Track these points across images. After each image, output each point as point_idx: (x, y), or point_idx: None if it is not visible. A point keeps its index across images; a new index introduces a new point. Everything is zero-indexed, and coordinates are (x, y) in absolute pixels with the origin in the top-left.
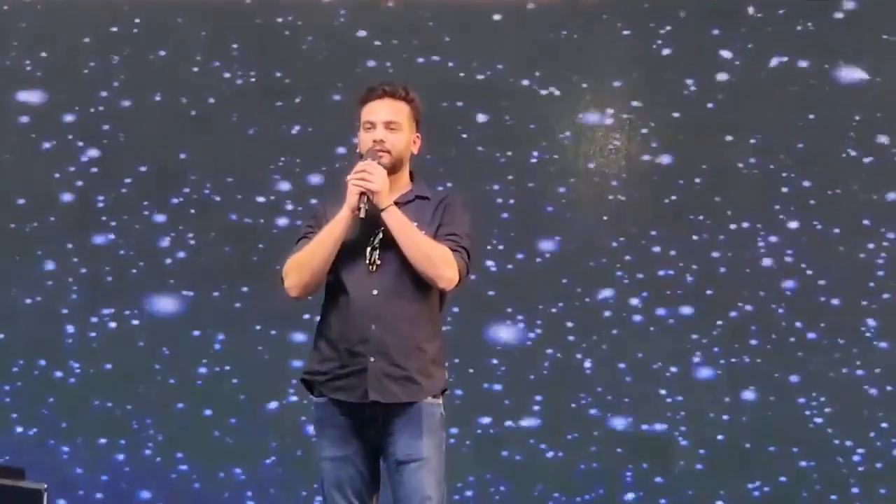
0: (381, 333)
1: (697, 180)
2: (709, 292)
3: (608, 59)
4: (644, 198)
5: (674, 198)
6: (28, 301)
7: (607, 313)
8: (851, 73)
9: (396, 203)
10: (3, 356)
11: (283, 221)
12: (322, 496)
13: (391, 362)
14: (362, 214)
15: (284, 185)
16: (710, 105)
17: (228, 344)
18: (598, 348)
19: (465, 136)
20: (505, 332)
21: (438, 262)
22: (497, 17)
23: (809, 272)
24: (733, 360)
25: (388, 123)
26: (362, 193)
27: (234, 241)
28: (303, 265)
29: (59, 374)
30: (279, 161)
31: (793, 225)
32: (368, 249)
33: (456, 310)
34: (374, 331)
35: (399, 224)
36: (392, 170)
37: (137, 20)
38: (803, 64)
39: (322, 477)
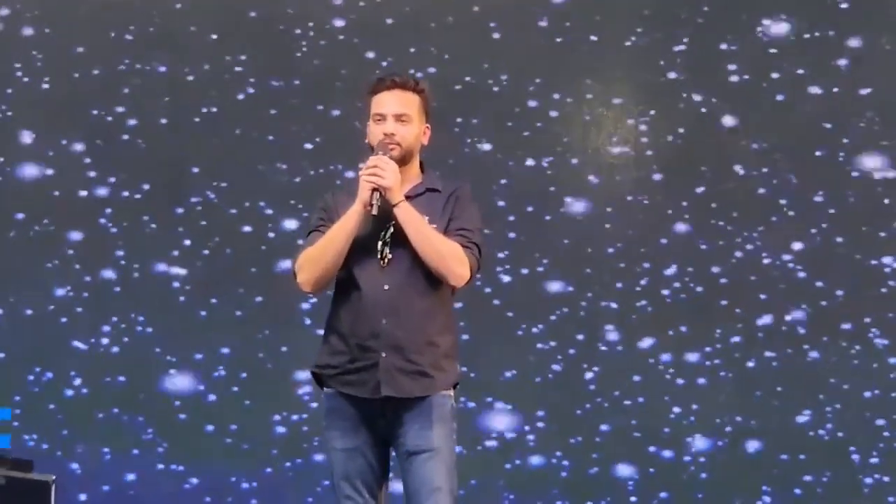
0: (393, 328)
1: (702, 190)
2: (723, 302)
3: (614, 67)
4: (651, 206)
5: (684, 204)
6: (34, 312)
7: (612, 324)
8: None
9: (407, 196)
10: (11, 367)
11: (289, 229)
12: (332, 487)
13: (403, 357)
14: (374, 211)
15: (291, 192)
16: (718, 115)
17: (234, 352)
18: (604, 356)
19: (466, 143)
20: (511, 341)
21: (450, 260)
22: (496, 33)
23: (819, 283)
24: (742, 368)
25: (399, 116)
26: (374, 189)
27: (241, 250)
28: (315, 260)
29: (65, 385)
30: (283, 167)
31: (804, 234)
32: (380, 244)
33: (462, 321)
34: (385, 325)
35: (411, 220)
36: (402, 162)
37: (141, 28)
38: (813, 73)
39: (332, 468)
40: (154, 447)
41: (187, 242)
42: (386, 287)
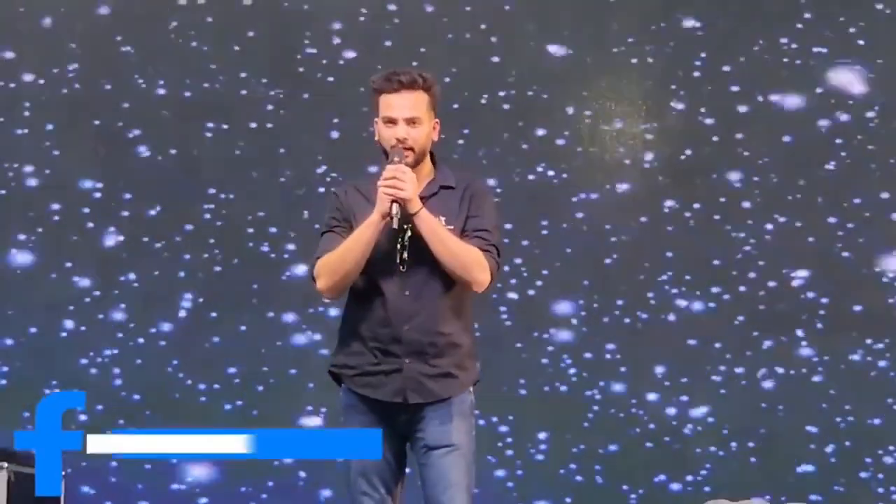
0: (415, 334)
1: (707, 203)
2: (740, 319)
3: (618, 80)
4: (657, 220)
5: (686, 214)
6: (41, 331)
7: (612, 344)
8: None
9: (423, 197)
10: (20, 388)
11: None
12: (348, 483)
13: (427, 362)
14: (395, 225)
15: (301, 209)
16: (724, 130)
17: (242, 369)
18: (609, 372)
19: (469, 156)
20: (514, 354)
21: (471, 267)
22: (496, 54)
23: (824, 300)
24: (752, 382)
25: (410, 120)
26: (394, 201)
27: (251, 267)
28: (334, 269)
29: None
30: (292, 184)
31: (811, 250)
32: (398, 247)
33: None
34: (407, 332)
35: (430, 228)
36: (415, 163)
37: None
38: (819, 89)
39: (348, 463)
40: (164, 465)
41: (197, 259)
42: (406, 293)
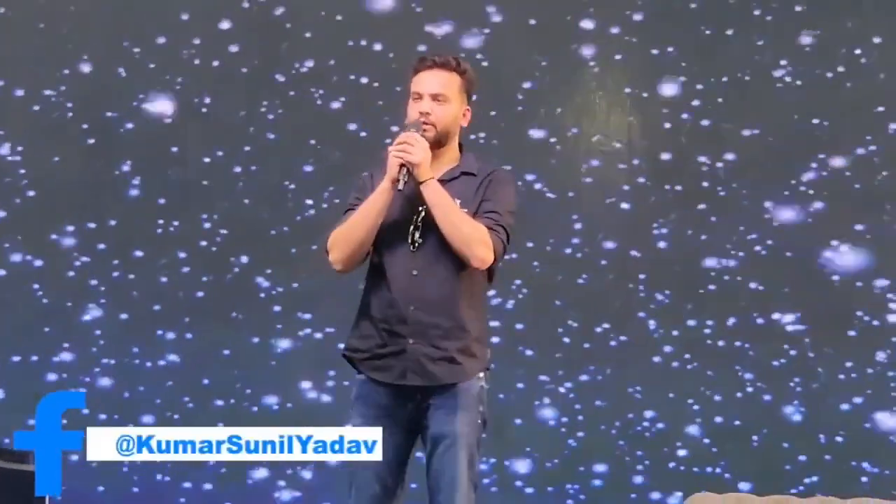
0: (421, 314)
1: (691, 226)
2: (737, 343)
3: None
4: (643, 240)
5: (684, 224)
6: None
7: (596, 364)
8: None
9: (442, 180)
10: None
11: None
12: (347, 474)
13: (431, 344)
14: (401, 187)
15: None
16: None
17: (228, 400)
18: (600, 391)
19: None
20: (523, 360)
21: (472, 242)
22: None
23: (813, 324)
24: (751, 394)
25: (436, 96)
26: (402, 165)
27: (234, 293)
28: (346, 238)
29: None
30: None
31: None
32: (411, 227)
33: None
34: (413, 312)
35: (437, 199)
36: (439, 143)
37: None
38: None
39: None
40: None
41: (179, 284)
42: (414, 272)
